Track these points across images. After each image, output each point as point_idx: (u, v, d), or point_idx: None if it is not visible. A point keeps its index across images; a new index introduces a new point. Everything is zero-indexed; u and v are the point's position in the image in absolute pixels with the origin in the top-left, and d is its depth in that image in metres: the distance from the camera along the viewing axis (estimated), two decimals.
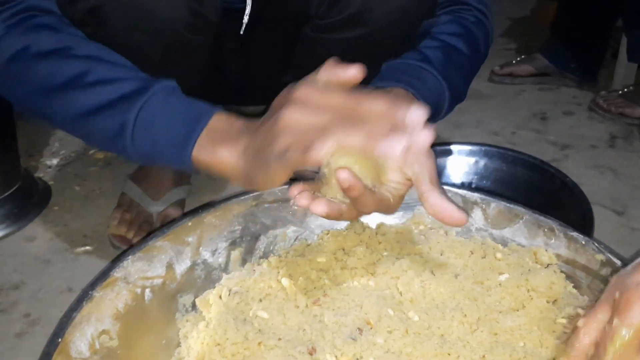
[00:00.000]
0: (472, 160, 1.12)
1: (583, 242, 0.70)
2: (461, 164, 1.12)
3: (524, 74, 1.75)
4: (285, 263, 0.72)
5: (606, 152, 1.40)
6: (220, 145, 0.56)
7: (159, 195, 1.06)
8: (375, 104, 0.48)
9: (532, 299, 0.67)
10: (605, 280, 0.67)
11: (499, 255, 0.73)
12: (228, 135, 0.57)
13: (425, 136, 0.46)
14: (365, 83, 0.70)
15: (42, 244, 1.05)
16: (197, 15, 0.79)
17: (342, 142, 0.46)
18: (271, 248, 0.77)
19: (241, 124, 0.58)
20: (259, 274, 0.71)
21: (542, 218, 0.73)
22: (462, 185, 1.09)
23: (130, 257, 0.65)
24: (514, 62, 1.77)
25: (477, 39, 0.81)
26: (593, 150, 1.41)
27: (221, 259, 0.73)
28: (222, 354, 0.61)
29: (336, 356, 0.60)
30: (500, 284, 0.69)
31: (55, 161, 1.30)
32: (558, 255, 0.72)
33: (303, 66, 1.00)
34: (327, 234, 0.77)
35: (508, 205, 0.75)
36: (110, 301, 0.62)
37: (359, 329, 0.63)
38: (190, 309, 0.69)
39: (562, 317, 0.64)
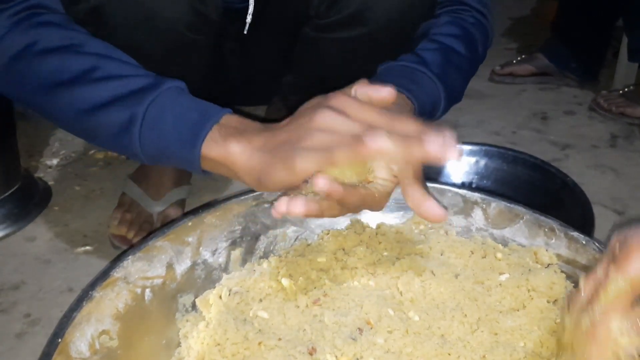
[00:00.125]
0: (473, 159, 1.11)
1: (584, 242, 0.69)
2: (461, 163, 1.12)
3: (524, 73, 1.75)
4: (286, 263, 0.72)
5: (607, 152, 1.40)
6: (233, 140, 0.56)
7: (160, 195, 1.06)
8: (407, 125, 0.51)
9: (532, 299, 0.67)
10: None
11: (499, 255, 0.73)
12: (242, 132, 0.57)
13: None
14: None
15: (43, 244, 1.05)
16: (198, 14, 0.79)
17: (383, 147, 0.49)
18: (271, 248, 0.77)
19: (256, 123, 0.58)
20: (259, 274, 0.71)
21: (542, 218, 0.73)
22: (462, 185, 1.09)
23: (130, 257, 0.64)
24: (514, 61, 1.77)
25: (475, 41, 0.81)
26: (594, 150, 1.41)
27: (221, 259, 0.73)
28: (222, 354, 0.61)
29: (336, 356, 0.60)
30: (500, 284, 0.69)
31: (55, 161, 1.30)
32: (559, 255, 0.72)
33: (303, 65, 1.01)
34: (328, 234, 0.77)
35: (508, 205, 0.75)
36: (110, 301, 0.62)
37: (359, 329, 0.63)
38: (190, 309, 0.69)
39: None
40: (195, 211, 0.71)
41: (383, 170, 0.53)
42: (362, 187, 0.52)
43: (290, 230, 0.78)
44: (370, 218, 0.79)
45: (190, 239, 0.70)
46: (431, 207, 0.52)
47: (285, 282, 0.69)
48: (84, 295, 0.60)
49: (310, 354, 0.60)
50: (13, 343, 0.86)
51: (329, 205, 0.53)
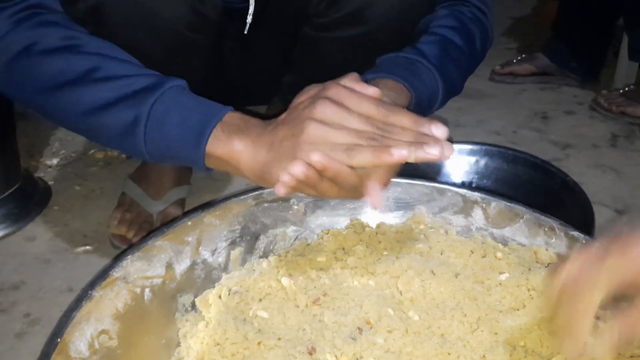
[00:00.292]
0: (473, 159, 1.11)
1: (584, 242, 0.69)
2: (462, 163, 1.11)
3: (525, 73, 1.75)
4: (285, 262, 0.72)
5: (607, 152, 1.40)
6: (236, 138, 0.57)
7: (159, 195, 1.06)
8: (402, 118, 0.53)
9: (532, 298, 0.67)
10: None
11: (499, 254, 0.73)
12: (245, 129, 0.57)
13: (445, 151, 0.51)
14: None
15: (42, 244, 1.05)
16: (198, 14, 0.79)
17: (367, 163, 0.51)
18: (271, 247, 0.77)
19: (258, 120, 0.59)
20: (259, 273, 0.71)
21: (542, 217, 0.73)
22: (462, 185, 1.09)
23: (129, 256, 0.64)
24: (515, 61, 1.77)
25: (473, 34, 0.81)
26: (594, 150, 1.41)
27: (221, 259, 0.73)
28: (221, 354, 0.61)
29: (336, 356, 0.60)
30: (500, 284, 0.69)
31: (55, 161, 1.30)
32: (559, 255, 0.72)
33: (303, 65, 1.01)
34: (327, 233, 0.77)
35: (508, 204, 0.75)
36: (110, 301, 0.62)
37: (359, 328, 0.63)
38: (190, 308, 0.69)
39: None
40: (194, 211, 0.71)
41: None
42: (359, 168, 0.53)
43: (290, 230, 0.78)
44: (370, 217, 0.79)
45: (189, 239, 0.70)
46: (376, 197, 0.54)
47: (285, 281, 0.69)
48: (84, 295, 0.60)
49: (310, 353, 0.60)
50: (13, 343, 0.85)
51: (327, 182, 0.53)
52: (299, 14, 0.90)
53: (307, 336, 0.62)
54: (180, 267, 0.69)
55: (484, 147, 1.12)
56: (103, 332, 0.60)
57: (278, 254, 0.75)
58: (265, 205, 0.75)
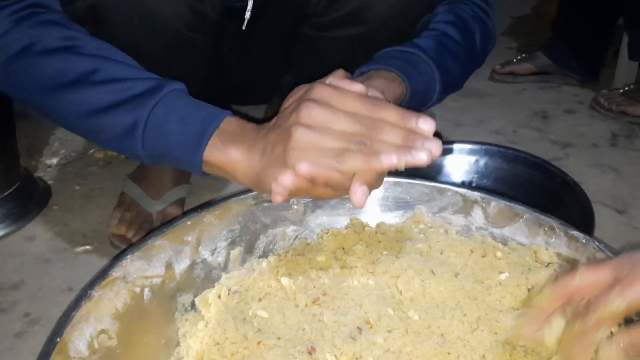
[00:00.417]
0: (473, 158, 1.11)
1: (584, 241, 0.69)
2: (462, 162, 1.11)
3: (525, 72, 1.75)
4: (285, 262, 0.72)
5: (607, 151, 1.40)
6: (232, 146, 0.57)
7: (159, 195, 1.06)
8: (388, 113, 0.52)
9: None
10: None
11: (499, 254, 0.73)
12: (240, 137, 0.58)
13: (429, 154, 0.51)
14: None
15: (42, 244, 1.05)
16: (197, 13, 0.79)
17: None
18: (271, 247, 0.77)
19: (253, 126, 0.59)
20: (259, 273, 0.71)
21: (542, 217, 0.73)
22: (462, 184, 1.09)
23: (129, 256, 0.64)
24: (515, 60, 1.77)
25: (472, 29, 0.81)
26: (594, 149, 1.41)
27: (220, 258, 0.73)
28: (221, 354, 0.61)
29: (336, 355, 0.60)
30: (500, 283, 0.69)
31: (55, 161, 1.30)
32: (559, 254, 0.72)
33: (302, 65, 1.01)
34: (327, 233, 0.77)
35: (508, 204, 0.75)
36: (109, 300, 0.62)
37: (358, 328, 0.63)
38: (189, 308, 0.69)
39: None
40: (194, 210, 0.71)
41: None
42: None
43: (290, 230, 0.78)
44: (369, 217, 0.79)
45: (189, 238, 0.70)
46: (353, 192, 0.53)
47: (284, 281, 0.69)
48: (83, 295, 0.59)
49: (310, 353, 0.60)
50: (13, 342, 0.85)
51: (319, 187, 0.53)
52: (298, 13, 0.90)
53: (306, 336, 0.62)
54: (180, 267, 0.69)
55: (484, 147, 1.12)
56: (102, 331, 0.60)
57: (278, 254, 0.75)
58: (265, 204, 0.75)
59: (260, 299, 0.68)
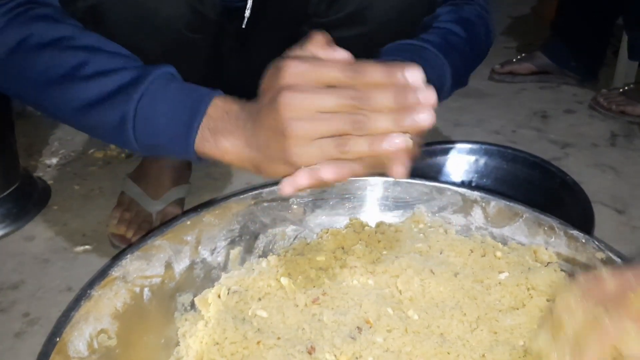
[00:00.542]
0: (472, 158, 1.11)
1: (583, 241, 0.69)
2: (461, 162, 1.11)
3: (524, 72, 1.75)
4: (285, 262, 0.72)
5: (607, 151, 1.40)
6: (221, 137, 0.56)
7: (159, 195, 1.06)
8: (372, 75, 0.48)
9: (532, 297, 0.67)
10: None
11: (498, 253, 0.73)
12: (227, 125, 0.56)
13: (427, 118, 0.48)
14: None
15: (42, 244, 1.05)
16: (197, 13, 0.79)
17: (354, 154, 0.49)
18: (270, 247, 0.77)
19: (238, 109, 0.56)
20: (258, 273, 0.71)
21: (542, 216, 0.73)
22: (462, 184, 1.09)
23: (128, 256, 0.64)
24: (514, 60, 1.77)
25: (477, 28, 0.81)
26: (594, 149, 1.40)
27: (220, 258, 0.73)
28: (221, 353, 0.61)
29: (335, 355, 0.60)
30: (500, 283, 0.69)
31: (54, 160, 1.29)
32: (558, 254, 0.72)
33: None
34: (327, 232, 0.77)
35: (508, 203, 0.75)
36: (109, 300, 0.62)
37: (358, 327, 0.63)
38: (189, 308, 0.69)
39: None
40: (194, 210, 0.71)
41: None
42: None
43: (290, 229, 0.78)
44: (369, 217, 0.79)
45: (189, 238, 0.70)
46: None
47: (284, 281, 0.69)
48: (82, 295, 0.59)
49: (310, 353, 0.60)
50: (12, 342, 0.85)
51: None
52: (298, 13, 0.90)
53: (306, 335, 0.62)
54: (180, 267, 0.69)
55: (483, 146, 1.12)
56: (102, 331, 0.60)
57: (277, 254, 0.75)
58: (265, 204, 0.75)
59: (259, 299, 0.68)
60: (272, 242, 0.77)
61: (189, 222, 0.70)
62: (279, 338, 0.62)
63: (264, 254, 0.76)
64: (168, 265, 0.68)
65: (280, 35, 0.98)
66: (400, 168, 0.49)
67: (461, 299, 0.67)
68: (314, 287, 0.69)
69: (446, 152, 1.11)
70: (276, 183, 0.57)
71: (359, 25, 0.83)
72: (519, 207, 0.74)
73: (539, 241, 0.73)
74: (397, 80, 0.48)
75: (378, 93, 0.48)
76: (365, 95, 0.48)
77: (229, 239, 0.74)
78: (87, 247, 1.04)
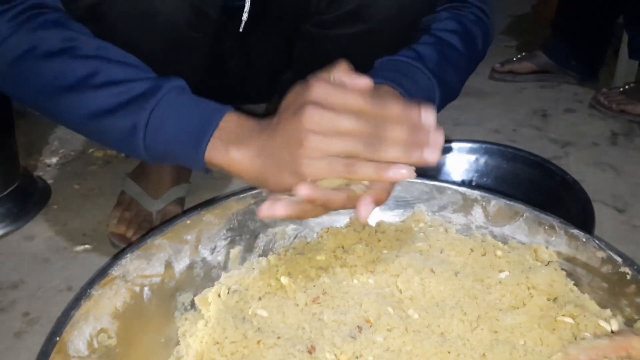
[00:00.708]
0: (473, 157, 1.11)
1: (584, 240, 0.69)
2: (461, 161, 1.11)
3: (524, 71, 1.75)
4: (285, 261, 0.72)
5: (607, 150, 1.40)
6: (232, 147, 0.57)
7: (159, 194, 1.06)
8: (392, 109, 0.52)
9: (532, 296, 0.67)
10: (606, 278, 0.67)
11: (499, 252, 0.73)
12: (240, 136, 0.57)
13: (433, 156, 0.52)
14: None
15: (42, 243, 1.05)
16: (197, 12, 0.79)
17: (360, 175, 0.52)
18: (270, 246, 0.77)
19: (253, 123, 0.58)
20: (258, 272, 0.71)
21: (542, 215, 0.73)
22: (462, 183, 1.09)
23: (128, 255, 0.64)
24: (514, 59, 1.77)
25: (475, 37, 0.81)
26: (594, 148, 1.40)
27: (220, 257, 0.73)
28: (221, 353, 0.61)
29: (335, 355, 0.60)
30: (500, 282, 0.69)
31: (54, 160, 1.29)
32: (559, 253, 0.72)
33: (303, 63, 1.01)
34: (327, 231, 0.77)
35: (508, 202, 0.75)
36: (109, 300, 0.62)
37: (358, 327, 0.63)
38: (189, 307, 0.69)
39: (563, 315, 0.64)
40: (194, 209, 0.71)
41: None
42: (345, 189, 0.53)
43: (290, 229, 0.78)
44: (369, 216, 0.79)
45: (189, 237, 0.70)
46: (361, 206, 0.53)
47: (284, 280, 0.69)
48: (82, 294, 0.59)
49: (310, 352, 0.60)
50: (12, 342, 0.85)
51: (312, 208, 0.54)
52: (299, 11, 0.90)
53: (306, 335, 0.62)
54: (180, 266, 0.69)
55: (483, 146, 1.12)
56: (102, 330, 0.60)
57: (277, 253, 0.75)
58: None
59: (260, 298, 0.68)
60: (272, 241, 0.77)
61: (189, 222, 0.70)
62: (279, 337, 0.61)
63: (264, 253, 0.76)
64: (168, 265, 0.68)
65: (280, 33, 0.98)
66: (366, 211, 0.53)
67: (461, 298, 0.67)
68: (314, 286, 0.69)
69: (446, 151, 1.11)
70: None
71: (360, 22, 0.83)
72: (519, 206, 0.74)
73: (540, 240, 0.73)
74: (413, 119, 0.52)
75: (394, 126, 0.52)
76: (382, 126, 0.52)
77: (229, 238, 0.74)
78: (87, 246, 1.04)
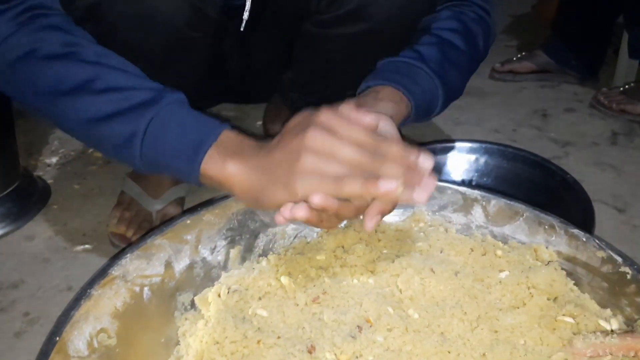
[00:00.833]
0: (473, 157, 1.11)
1: (584, 239, 0.69)
2: (462, 161, 1.11)
3: (525, 71, 1.75)
4: (285, 261, 0.72)
5: (607, 149, 1.40)
6: (230, 160, 0.57)
7: (159, 194, 1.06)
8: (392, 148, 0.55)
9: (532, 296, 0.67)
10: (606, 278, 0.67)
11: (499, 252, 0.73)
12: (238, 151, 0.58)
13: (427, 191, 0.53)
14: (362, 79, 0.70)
15: (42, 243, 1.05)
16: (197, 12, 0.79)
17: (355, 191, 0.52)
18: (270, 246, 0.77)
19: (252, 142, 0.59)
20: (258, 272, 0.71)
21: (542, 215, 0.73)
22: (462, 183, 1.09)
23: (128, 255, 0.64)
24: (514, 59, 1.77)
25: (476, 36, 0.81)
26: (594, 148, 1.40)
27: (220, 257, 0.73)
28: (221, 352, 0.61)
29: (335, 354, 0.60)
30: (500, 282, 0.69)
31: (54, 160, 1.29)
32: (559, 253, 0.72)
33: (303, 62, 1.01)
34: (327, 231, 0.77)
35: (508, 202, 0.75)
36: (109, 300, 0.62)
37: (358, 327, 0.63)
38: (189, 307, 0.69)
39: (563, 315, 0.64)
40: (194, 209, 0.71)
41: None
42: (356, 199, 0.54)
43: (290, 228, 0.78)
44: None
45: (189, 237, 0.70)
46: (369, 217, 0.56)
47: (284, 280, 0.69)
48: (82, 294, 0.59)
49: (310, 352, 0.60)
50: (12, 342, 0.85)
51: (328, 216, 0.55)
52: (299, 10, 0.90)
53: (306, 335, 0.62)
54: (180, 266, 0.69)
55: (483, 145, 1.12)
56: (102, 330, 0.60)
57: (277, 253, 0.75)
58: None
59: (260, 298, 0.68)
60: (272, 241, 0.77)
61: (189, 221, 0.70)
62: (279, 337, 0.61)
63: (264, 253, 0.76)
64: (168, 265, 0.68)
65: (281, 34, 0.98)
66: (373, 222, 0.55)
67: (461, 297, 0.67)
68: (314, 286, 0.69)
69: (446, 150, 1.11)
70: None
71: (360, 22, 0.83)
72: (519, 206, 0.74)
73: (540, 240, 0.73)
74: (410, 160, 0.54)
75: (391, 163, 0.54)
76: (380, 161, 0.54)
77: (229, 238, 0.74)
78: (87, 246, 1.04)
